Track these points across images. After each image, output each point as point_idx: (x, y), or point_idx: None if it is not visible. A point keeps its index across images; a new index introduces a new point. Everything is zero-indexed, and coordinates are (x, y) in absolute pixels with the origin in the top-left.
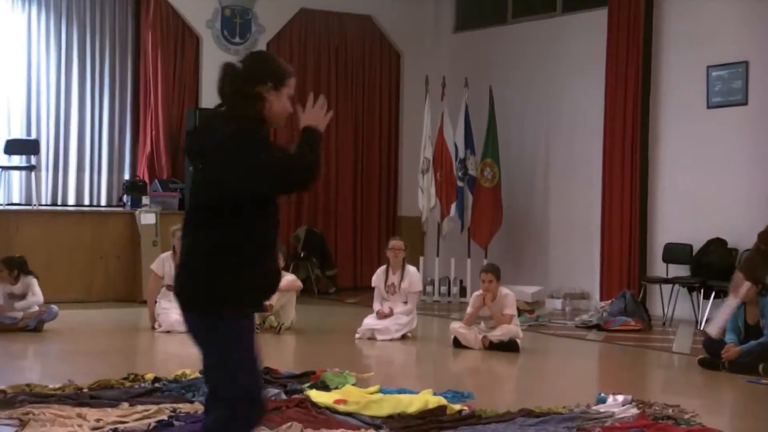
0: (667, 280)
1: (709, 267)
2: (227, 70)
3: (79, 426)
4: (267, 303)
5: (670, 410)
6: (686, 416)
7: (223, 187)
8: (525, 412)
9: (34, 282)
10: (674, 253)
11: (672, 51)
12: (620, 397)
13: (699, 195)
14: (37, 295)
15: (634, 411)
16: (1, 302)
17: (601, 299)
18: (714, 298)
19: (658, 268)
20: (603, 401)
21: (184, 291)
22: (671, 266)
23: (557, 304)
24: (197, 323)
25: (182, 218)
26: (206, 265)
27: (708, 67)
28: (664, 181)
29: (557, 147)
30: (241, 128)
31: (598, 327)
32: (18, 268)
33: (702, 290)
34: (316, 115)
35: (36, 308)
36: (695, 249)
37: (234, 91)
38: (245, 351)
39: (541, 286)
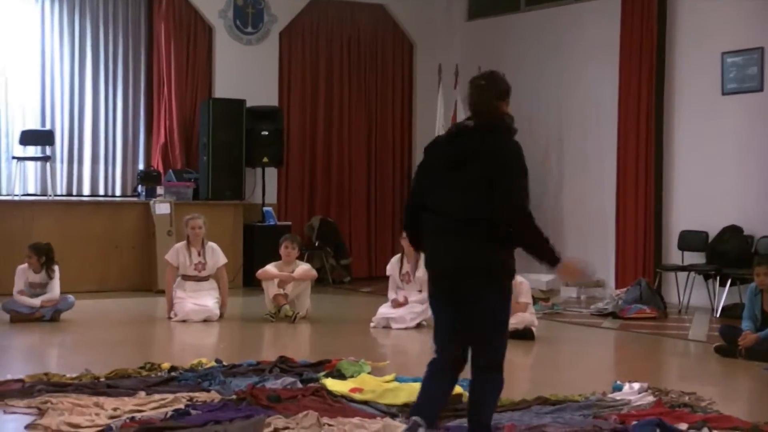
0: (682, 268)
1: (725, 254)
2: (480, 86)
3: (97, 415)
4: (282, 292)
5: (687, 398)
6: (703, 404)
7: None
8: (541, 400)
9: (57, 275)
10: (689, 240)
11: (686, 37)
12: (636, 385)
13: (714, 182)
14: (55, 290)
15: (650, 399)
16: (22, 288)
17: (617, 287)
18: (730, 285)
19: (673, 255)
20: (619, 389)
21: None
22: (686, 254)
23: (572, 292)
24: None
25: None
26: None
27: (723, 53)
28: (679, 168)
29: (571, 135)
30: (514, 140)
31: (613, 315)
32: (45, 255)
33: (718, 278)
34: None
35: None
36: (710, 236)
37: (492, 107)
38: None
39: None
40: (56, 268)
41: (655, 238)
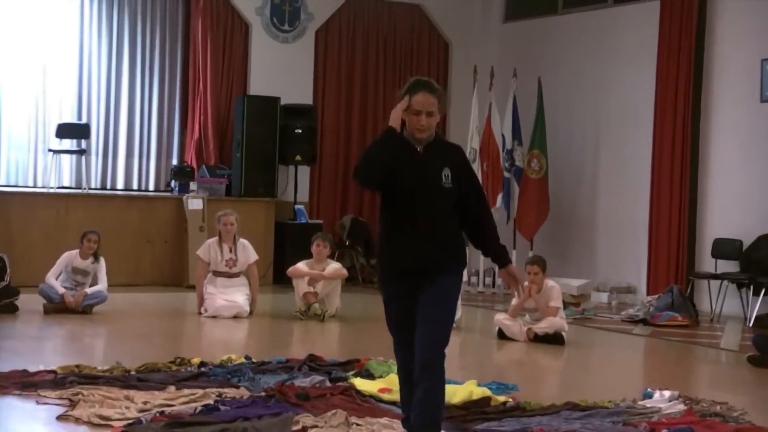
0: (715, 276)
1: (759, 263)
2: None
3: (127, 408)
4: (312, 290)
5: (718, 407)
6: (735, 414)
7: None
8: (570, 405)
9: (104, 266)
10: (723, 248)
11: (725, 43)
12: (667, 393)
13: (750, 190)
14: (103, 282)
15: (681, 407)
16: (60, 272)
17: (648, 293)
18: (764, 295)
19: (707, 263)
20: (649, 396)
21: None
22: (720, 262)
23: (603, 297)
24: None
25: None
26: None
27: (762, 60)
28: (715, 176)
29: (606, 139)
30: None
31: (644, 321)
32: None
33: (751, 286)
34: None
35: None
36: (745, 245)
37: None
38: None
39: (587, 279)
40: (103, 260)
41: (688, 245)
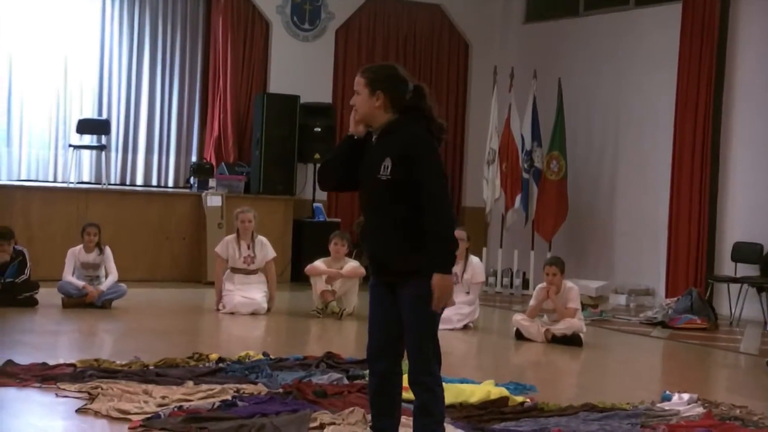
0: (735, 280)
1: None
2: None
3: (145, 402)
4: (330, 288)
5: (738, 411)
6: (755, 418)
7: None
8: (588, 406)
9: (110, 255)
10: (743, 252)
11: (748, 47)
12: (686, 396)
13: None
14: (113, 272)
15: (700, 410)
16: (72, 270)
17: (667, 296)
18: None
19: (726, 266)
20: (668, 399)
21: None
22: (740, 265)
23: (621, 299)
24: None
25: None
26: None
27: None
28: (735, 179)
29: (626, 141)
30: None
31: (662, 324)
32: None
33: None
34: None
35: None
36: (766, 248)
37: None
38: None
39: (606, 281)
40: (108, 250)
41: (708, 248)
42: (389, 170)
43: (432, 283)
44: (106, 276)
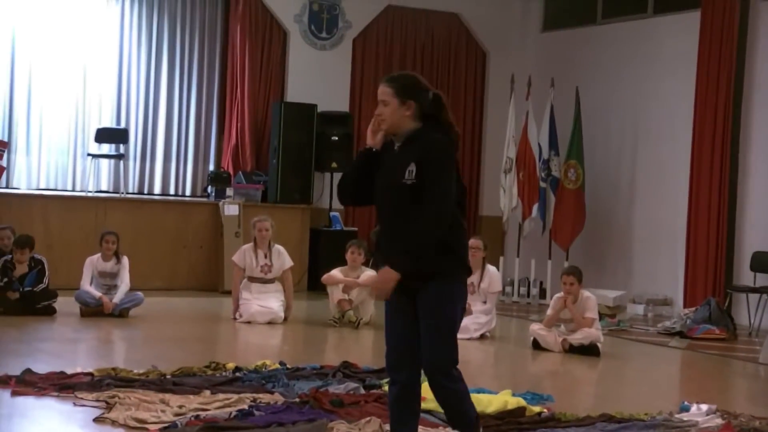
0: (754, 289)
1: None
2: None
3: (162, 411)
4: (347, 297)
5: (758, 422)
6: None
7: None
8: (606, 417)
9: (126, 265)
10: (763, 261)
11: (767, 55)
12: (704, 407)
13: None
14: (126, 282)
15: (719, 421)
16: (89, 280)
17: (685, 306)
18: None
19: (745, 276)
20: (686, 410)
21: None
22: (759, 275)
23: (639, 309)
24: None
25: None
26: None
27: None
28: (755, 188)
29: (644, 150)
30: None
31: (681, 334)
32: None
33: None
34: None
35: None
36: None
37: None
38: None
39: (624, 291)
40: (125, 259)
41: (726, 257)
42: (414, 174)
43: (378, 272)
44: None
